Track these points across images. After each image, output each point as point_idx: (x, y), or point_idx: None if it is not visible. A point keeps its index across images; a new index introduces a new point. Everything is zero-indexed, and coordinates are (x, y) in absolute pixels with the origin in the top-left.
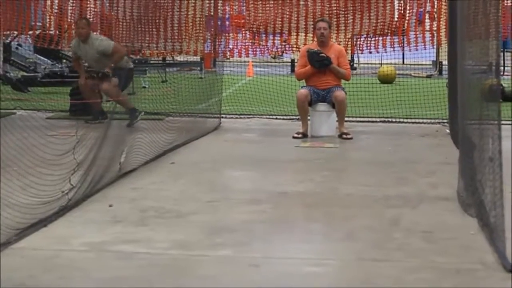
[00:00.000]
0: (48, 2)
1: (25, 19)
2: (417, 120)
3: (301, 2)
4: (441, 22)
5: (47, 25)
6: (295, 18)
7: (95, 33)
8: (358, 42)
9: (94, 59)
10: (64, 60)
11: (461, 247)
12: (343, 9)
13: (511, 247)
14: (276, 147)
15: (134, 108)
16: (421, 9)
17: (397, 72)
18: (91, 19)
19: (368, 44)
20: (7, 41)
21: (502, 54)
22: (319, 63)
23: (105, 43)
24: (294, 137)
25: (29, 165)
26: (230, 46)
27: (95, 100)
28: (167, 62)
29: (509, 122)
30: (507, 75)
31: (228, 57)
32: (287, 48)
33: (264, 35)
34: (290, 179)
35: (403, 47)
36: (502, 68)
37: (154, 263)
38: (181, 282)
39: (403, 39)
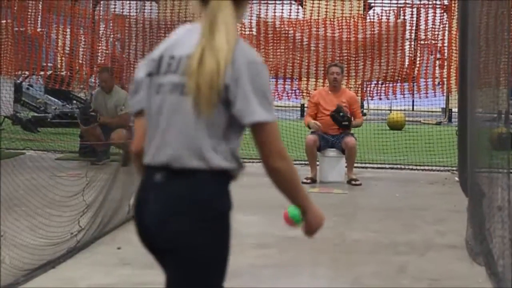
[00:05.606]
0: (60, 43)
1: (36, 59)
2: (426, 167)
3: (312, 48)
4: (451, 70)
5: (59, 66)
6: (306, 63)
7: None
8: (369, 88)
9: (110, 110)
10: (75, 101)
11: None
12: (354, 55)
13: None
14: None
15: None
16: (432, 56)
17: (407, 118)
18: (101, 60)
19: (378, 91)
20: (18, 81)
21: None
22: (343, 124)
23: (121, 95)
24: (303, 182)
25: (38, 205)
26: None
27: (104, 142)
28: None
29: None
30: None
31: None
32: (297, 93)
33: (274, 80)
34: None
35: (413, 94)
36: (511, 116)
37: None
38: None
39: (413, 85)
